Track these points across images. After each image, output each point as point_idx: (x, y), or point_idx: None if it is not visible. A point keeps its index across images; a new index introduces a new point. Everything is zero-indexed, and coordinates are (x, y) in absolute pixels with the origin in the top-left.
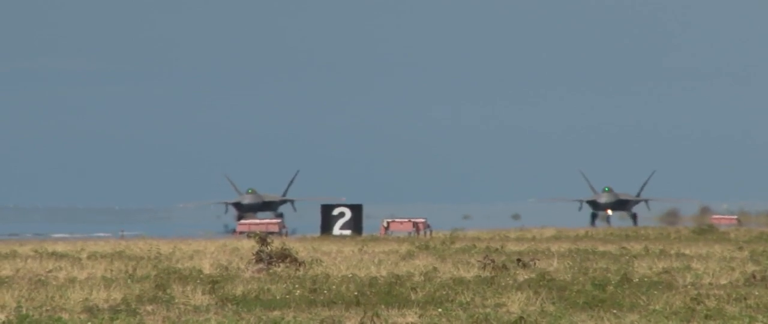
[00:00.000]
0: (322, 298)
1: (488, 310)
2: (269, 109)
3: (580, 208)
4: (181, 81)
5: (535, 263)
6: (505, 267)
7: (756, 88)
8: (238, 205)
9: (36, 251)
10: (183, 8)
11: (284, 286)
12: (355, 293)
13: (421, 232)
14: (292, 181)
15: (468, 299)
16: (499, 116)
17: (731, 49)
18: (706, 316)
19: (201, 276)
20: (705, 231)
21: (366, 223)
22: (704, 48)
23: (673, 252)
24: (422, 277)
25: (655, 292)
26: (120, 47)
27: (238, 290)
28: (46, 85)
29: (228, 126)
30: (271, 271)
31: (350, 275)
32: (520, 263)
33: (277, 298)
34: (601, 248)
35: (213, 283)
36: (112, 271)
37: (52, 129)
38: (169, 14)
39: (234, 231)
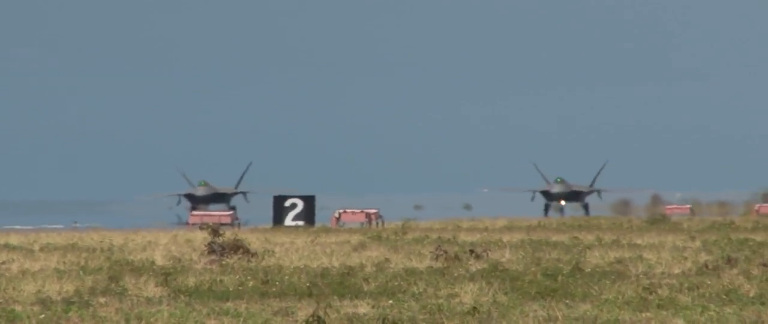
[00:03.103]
0: (274, 289)
1: (441, 300)
2: (222, 102)
3: (533, 199)
4: (135, 74)
5: (487, 254)
6: (457, 257)
7: (709, 80)
8: (190, 197)
9: None
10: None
11: (237, 277)
12: (308, 284)
13: (374, 223)
14: (244, 173)
15: (420, 290)
16: (452, 107)
17: (686, 44)
18: (659, 306)
19: (154, 268)
20: (657, 221)
21: (318, 214)
22: (657, 42)
23: (625, 242)
24: (374, 268)
25: (608, 282)
26: (71, 39)
27: (191, 282)
28: None
29: (181, 119)
30: (223, 262)
31: (302, 266)
32: (473, 254)
33: (230, 289)
34: (553, 238)
35: (166, 275)
36: (65, 263)
37: (3, 122)
38: (118, 5)
39: (186, 223)
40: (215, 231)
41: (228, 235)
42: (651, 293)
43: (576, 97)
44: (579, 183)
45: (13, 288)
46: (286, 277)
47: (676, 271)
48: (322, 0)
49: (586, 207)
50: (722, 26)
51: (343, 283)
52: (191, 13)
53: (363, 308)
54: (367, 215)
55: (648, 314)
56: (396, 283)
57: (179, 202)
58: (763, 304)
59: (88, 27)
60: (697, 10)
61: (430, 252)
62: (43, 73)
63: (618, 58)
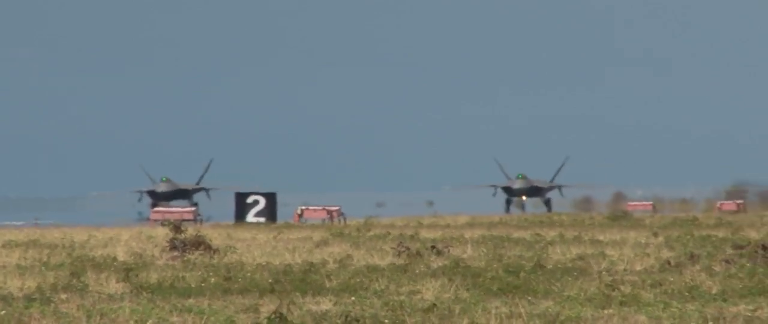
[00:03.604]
0: (236, 285)
1: (403, 297)
2: (183, 98)
3: (495, 195)
4: (96, 70)
5: (449, 250)
6: (419, 254)
7: (671, 76)
8: (152, 194)
9: None
10: None
11: (199, 273)
12: (270, 281)
13: (335, 220)
14: (206, 170)
15: (382, 286)
16: (413, 106)
17: (649, 38)
18: (621, 303)
19: (115, 264)
20: (619, 217)
21: (280, 210)
22: (621, 37)
23: (587, 238)
24: (337, 265)
25: (570, 279)
26: (43, 38)
27: (153, 278)
28: None
29: (143, 115)
30: (185, 258)
31: (265, 263)
32: (435, 250)
33: (192, 285)
34: (515, 235)
35: (127, 271)
36: (26, 259)
37: None
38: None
39: (148, 219)
40: (177, 227)
41: (190, 231)
42: (613, 290)
43: (538, 94)
44: (541, 178)
45: None
46: (249, 274)
47: (638, 267)
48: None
49: (548, 203)
50: (687, 23)
51: (305, 280)
52: (159, 15)
53: (325, 305)
54: (329, 212)
55: (610, 311)
56: (358, 280)
57: (141, 199)
58: (725, 300)
59: (58, 26)
60: (663, 7)
61: (392, 248)
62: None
63: (579, 55)
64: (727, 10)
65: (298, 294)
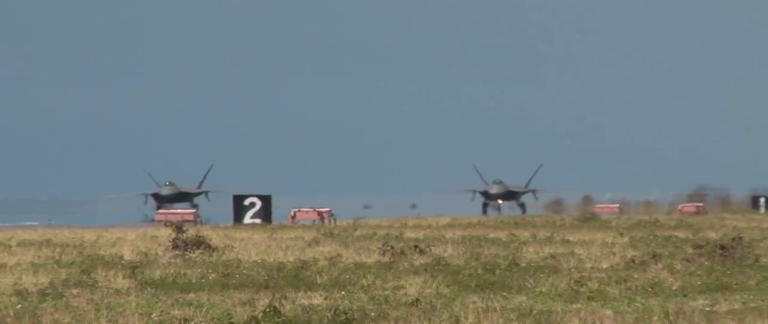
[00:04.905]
0: (234, 281)
1: (388, 292)
2: (186, 107)
3: (473, 199)
4: (108, 82)
5: (430, 249)
6: (403, 253)
7: (638, 85)
8: (156, 197)
9: None
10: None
11: (199, 270)
12: (265, 277)
13: (326, 221)
14: (206, 175)
15: (369, 282)
16: (401, 114)
17: (618, 53)
18: (589, 298)
19: (122, 262)
20: (588, 219)
21: (275, 212)
22: (593, 44)
23: (558, 238)
24: (327, 262)
25: (542, 276)
26: (48, 47)
27: (157, 274)
28: None
29: (150, 124)
30: (186, 257)
31: (260, 261)
32: (417, 249)
33: (193, 281)
34: (491, 235)
35: (133, 268)
36: (40, 257)
37: None
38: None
39: (153, 220)
40: (179, 228)
41: (191, 231)
42: (582, 286)
43: (515, 102)
44: (516, 184)
45: None
46: (245, 271)
47: (605, 265)
48: (274, 6)
49: (522, 206)
50: (651, 37)
51: (297, 276)
52: (162, 22)
53: (316, 299)
54: (320, 214)
55: (579, 305)
56: (346, 276)
57: (146, 202)
58: (685, 296)
59: (61, 36)
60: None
61: (378, 248)
62: (18, 80)
63: (553, 64)
64: (689, 29)
65: (290, 289)
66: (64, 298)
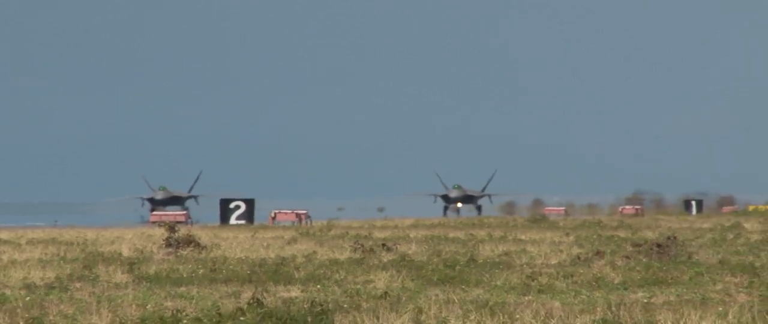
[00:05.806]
0: (221, 276)
1: (359, 286)
2: (177, 117)
3: (435, 202)
4: (109, 93)
5: (397, 247)
6: (372, 250)
7: (583, 101)
8: (151, 200)
9: None
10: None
11: (190, 266)
12: (249, 272)
13: (303, 222)
14: (196, 180)
15: (342, 277)
16: (371, 126)
17: (562, 65)
18: (539, 291)
19: (121, 258)
20: (538, 220)
21: (257, 214)
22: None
23: (511, 237)
24: (304, 259)
25: (497, 271)
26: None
27: (152, 270)
28: None
29: (145, 133)
30: (178, 254)
31: (244, 257)
32: (385, 247)
33: (184, 276)
34: (451, 234)
35: (131, 264)
36: (47, 254)
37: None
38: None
39: (148, 221)
40: (172, 228)
41: (182, 231)
42: (533, 280)
43: (475, 114)
44: (473, 188)
45: (4, 275)
46: (231, 267)
47: (554, 261)
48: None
49: (479, 208)
50: (594, 41)
51: (277, 272)
52: (159, 31)
53: (294, 292)
54: (298, 215)
55: (530, 298)
56: (322, 272)
57: (142, 204)
58: (626, 289)
59: (63, 48)
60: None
61: (350, 246)
62: (26, 91)
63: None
64: (628, 44)
65: (271, 283)
66: (69, 291)
